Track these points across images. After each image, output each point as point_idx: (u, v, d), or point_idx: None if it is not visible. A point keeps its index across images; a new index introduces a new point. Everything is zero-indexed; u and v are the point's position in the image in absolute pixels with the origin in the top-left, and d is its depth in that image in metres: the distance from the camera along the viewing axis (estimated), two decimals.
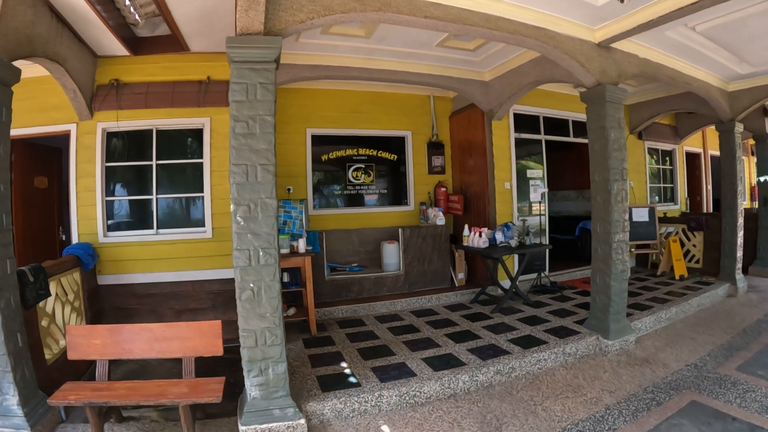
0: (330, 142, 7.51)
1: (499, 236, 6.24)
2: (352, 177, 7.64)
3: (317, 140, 7.39)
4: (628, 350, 4.99)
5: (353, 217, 7.56)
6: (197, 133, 6.01)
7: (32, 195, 6.61)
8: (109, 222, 6.04)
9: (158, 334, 3.82)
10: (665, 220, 8.99)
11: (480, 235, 6.19)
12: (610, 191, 5.01)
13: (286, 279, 5.31)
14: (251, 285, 3.31)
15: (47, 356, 4.19)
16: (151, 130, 6.04)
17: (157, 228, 6.01)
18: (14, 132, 3.91)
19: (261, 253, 3.32)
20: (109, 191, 6.06)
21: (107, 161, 6.01)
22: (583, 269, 8.30)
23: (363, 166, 7.70)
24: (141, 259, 5.94)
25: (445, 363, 4.33)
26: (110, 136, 6.05)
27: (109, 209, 6.05)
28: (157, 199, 6.02)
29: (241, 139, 3.35)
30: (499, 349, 4.66)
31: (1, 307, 3.31)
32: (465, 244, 6.41)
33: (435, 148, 8.01)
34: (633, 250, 8.26)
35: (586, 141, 8.63)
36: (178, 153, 6.13)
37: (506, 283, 6.88)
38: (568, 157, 10.34)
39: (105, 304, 5.76)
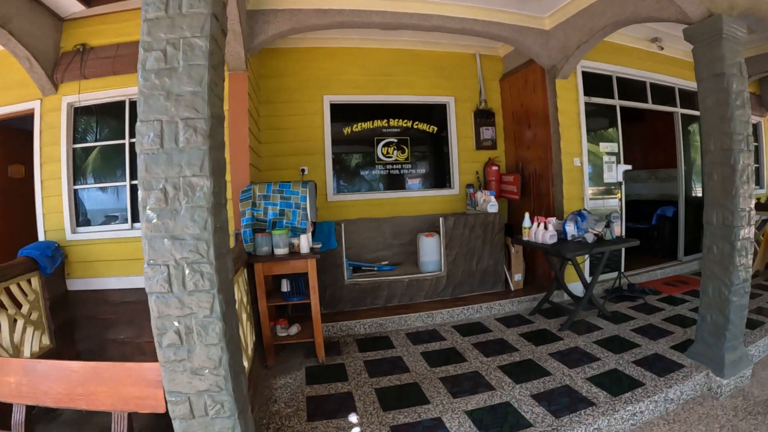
0: (354, 112, 6.14)
1: (571, 228, 4.75)
2: (382, 154, 6.27)
3: (338, 110, 6.04)
4: (744, 390, 3.49)
5: (384, 204, 6.19)
6: None
7: (11, 185, 5.89)
8: (82, 216, 5.06)
9: (81, 376, 2.61)
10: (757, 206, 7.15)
11: (545, 227, 4.71)
12: (734, 166, 3.46)
13: (285, 288, 4.04)
14: (176, 324, 2.01)
15: None
16: (123, 102, 4.91)
17: (133, 221, 4.92)
18: None
19: (187, 272, 1.98)
20: (78, 179, 5.04)
21: (76, 143, 4.98)
22: (663, 267, 6.66)
23: (395, 140, 6.31)
24: (115, 260, 4.92)
25: (500, 421, 2.94)
26: (79, 112, 4.98)
27: (78, 200, 5.05)
28: (131, 186, 4.91)
29: (153, 78, 2.01)
30: (577, 395, 3.23)
31: None
32: (525, 238, 4.94)
33: (484, 117, 6.51)
34: None
35: (666, 109, 7.09)
36: None
37: (575, 287, 5.40)
38: (637, 131, 8.58)
39: (76, 314, 4.76)
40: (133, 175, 4.92)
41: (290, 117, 5.82)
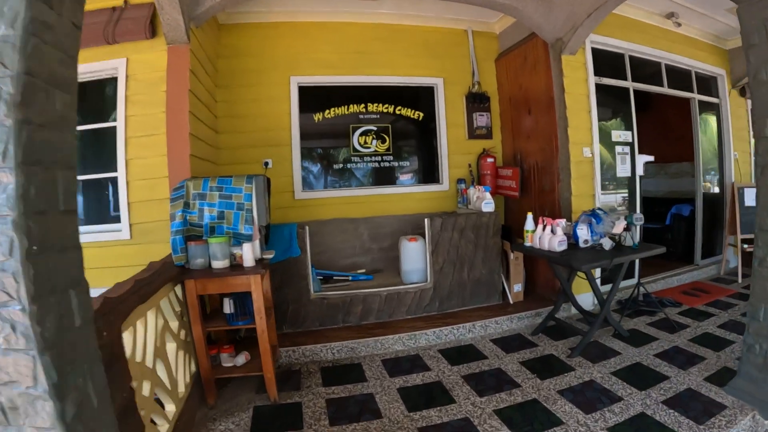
0: (326, 96, 5.31)
1: (584, 232, 3.93)
2: (359, 144, 5.44)
3: (308, 94, 5.21)
4: None
5: (361, 202, 5.37)
6: (113, 85, 3.95)
7: None
8: None
9: None
10: None
11: (553, 231, 3.90)
12: None
13: (228, 309, 3.21)
14: None
15: None
16: None
17: None
18: None
19: None
20: None
21: None
22: (679, 273, 5.86)
23: (374, 128, 5.47)
24: None
25: None
26: None
27: None
28: None
29: None
30: None
31: None
32: (528, 243, 4.12)
33: (477, 102, 5.67)
34: (746, 246, 5.77)
35: (684, 94, 6.20)
36: (91, 117, 4.14)
37: (585, 298, 4.61)
38: (645, 120, 7.78)
39: None
40: None
41: (253, 103, 5.00)
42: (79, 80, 3.93)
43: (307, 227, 4.21)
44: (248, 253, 3.13)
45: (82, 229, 3.87)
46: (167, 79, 3.67)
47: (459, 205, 5.41)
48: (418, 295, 4.51)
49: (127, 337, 2.19)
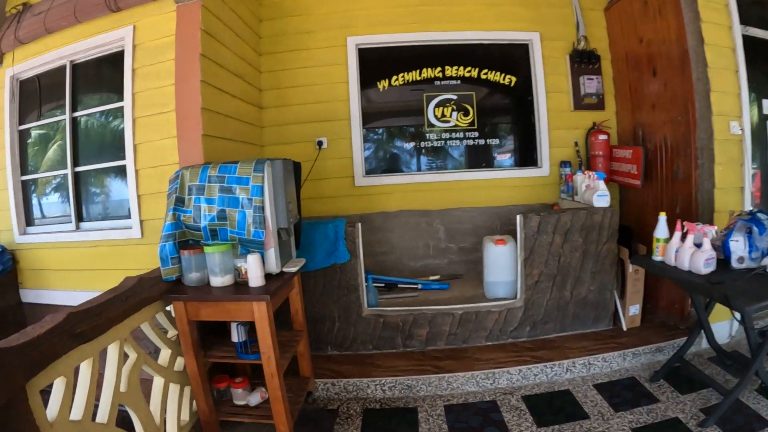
0: (392, 60, 4.32)
1: (739, 246, 2.64)
2: (436, 117, 4.38)
3: (369, 57, 4.28)
4: None
5: (437, 189, 4.37)
6: (119, 59, 3.33)
7: None
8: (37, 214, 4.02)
9: None
10: None
11: (698, 244, 2.64)
12: None
13: (236, 337, 2.42)
14: None
15: None
16: (64, 67, 3.65)
17: (78, 220, 3.63)
18: None
19: None
20: (26, 167, 3.98)
21: (23, 123, 3.93)
22: None
23: (454, 97, 4.38)
24: (58, 269, 3.79)
25: None
26: (26, 86, 3.91)
27: (26, 194, 3.98)
28: (75, 174, 3.62)
29: None
30: None
31: None
32: (658, 257, 2.88)
33: (584, 62, 4.33)
34: None
35: None
36: (100, 97, 3.65)
37: (719, 328, 3.30)
38: None
39: None
40: (76, 161, 3.60)
41: (302, 71, 4.17)
42: (86, 58, 3.17)
43: (359, 224, 3.30)
44: (254, 268, 2.32)
45: (90, 225, 3.38)
46: (176, 42, 2.94)
47: (562, 195, 4.22)
48: (503, 317, 3.46)
49: (58, 388, 1.65)
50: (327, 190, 4.23)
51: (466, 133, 4.42)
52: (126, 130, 3.16)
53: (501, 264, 3.55)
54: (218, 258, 2.34)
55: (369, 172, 4.37)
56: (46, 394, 1.58)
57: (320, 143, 4.17)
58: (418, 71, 4.29)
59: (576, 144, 4.39)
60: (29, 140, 3.91)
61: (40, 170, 3.86)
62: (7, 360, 1.39)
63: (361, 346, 3.43)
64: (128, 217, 3.24)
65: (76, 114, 3.57)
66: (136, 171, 3.17)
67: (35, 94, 3.83)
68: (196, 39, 2.89)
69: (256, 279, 2.32)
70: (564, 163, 4.30)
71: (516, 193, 4.37)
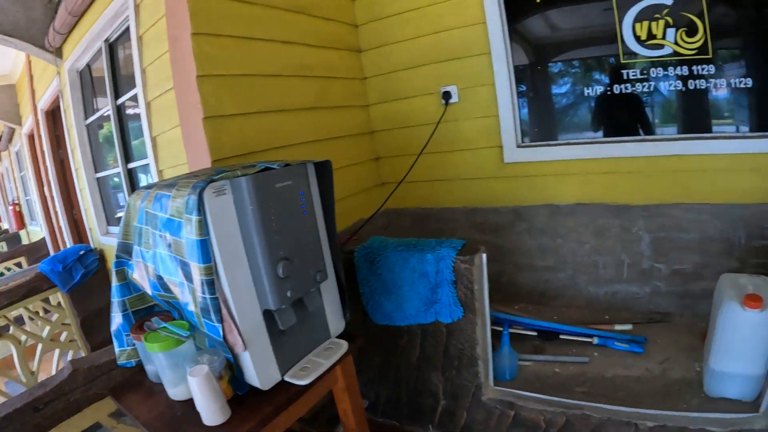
0: None
1: None
2: (637, 38, 2.44)
3: None
4: None
5: (638, 170, 2.52)
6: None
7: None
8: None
9: None
10: None
11: None
12: None
13: None
14: None
15: None
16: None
17: None
18: None
19: None
20: (99, 164, 3.69)
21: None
22: None
23: (668, 1, 2.40)
24: None
25: None
26: (83, 77, 3.60)
27: (103, 192, 3.67)
28: (128, 171, 3.13)
29: None
30: None
31: None
32: None
33: None
34: None
35: None
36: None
37: None
38: None
39: None
40: (129, 157, 2.93)
41: None
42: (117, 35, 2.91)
43: (483, 255, 1.89)
44: (200, 398, 1.22)
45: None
46: (166, 12, 1.92)
47: None
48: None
49: None
50: (455, 170, 2.87)
51: (693, 68, 2.40)
52: (141, 118, 2.30)
53: (746, 344, 1.78)
54: (164, 360, 1.31)
55: (526, 139, 2.79)
56: None
57: (447, 95, 2.78)
58: None
59: None
60: (96, 134, 3.44)
61: (110, 166, 3.35)
62: None
63: None
64: None
65: (120, 101, 2.86)
66: (159, 172, 2.31)
67: (88, 85, 3.35)
68: (182, 3, 1.82)
69: (208, 413, 1.23)
70: None
71: None
